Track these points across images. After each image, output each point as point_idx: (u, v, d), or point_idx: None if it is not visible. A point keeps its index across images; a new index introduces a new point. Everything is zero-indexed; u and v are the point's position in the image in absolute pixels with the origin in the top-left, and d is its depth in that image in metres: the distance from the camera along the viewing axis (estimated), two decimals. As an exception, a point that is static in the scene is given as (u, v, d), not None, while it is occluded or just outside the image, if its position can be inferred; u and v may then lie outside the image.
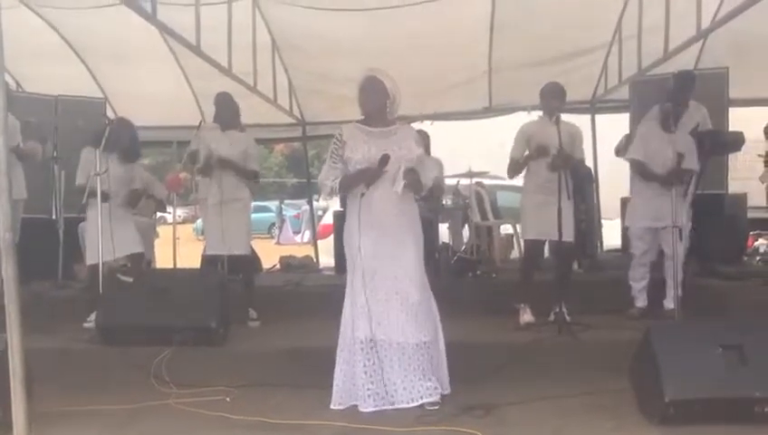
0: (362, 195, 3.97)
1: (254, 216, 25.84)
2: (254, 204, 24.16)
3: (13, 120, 6.35)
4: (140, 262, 5.74)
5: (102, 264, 5.27)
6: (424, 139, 6.33)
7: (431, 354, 4.00)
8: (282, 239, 24.13)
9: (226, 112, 5.70)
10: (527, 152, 5.48)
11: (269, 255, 8.98)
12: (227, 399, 4.26)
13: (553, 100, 5.31)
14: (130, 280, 4.92)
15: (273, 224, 26.64)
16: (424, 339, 3.97)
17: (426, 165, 4.17)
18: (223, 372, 4.60)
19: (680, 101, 5.99)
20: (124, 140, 5.64)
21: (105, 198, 5.29)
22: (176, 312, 4.75)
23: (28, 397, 3.46)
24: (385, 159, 3.90)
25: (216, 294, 4.91)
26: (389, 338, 3.94)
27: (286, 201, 27.48)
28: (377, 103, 4.04)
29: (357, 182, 3.99)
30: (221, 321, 4.86)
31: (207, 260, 5.68)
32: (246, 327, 5.60)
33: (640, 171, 5.65)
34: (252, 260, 5.91)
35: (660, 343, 3.77)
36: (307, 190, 11.09)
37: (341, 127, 4.16)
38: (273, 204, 28.25)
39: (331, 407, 4.01)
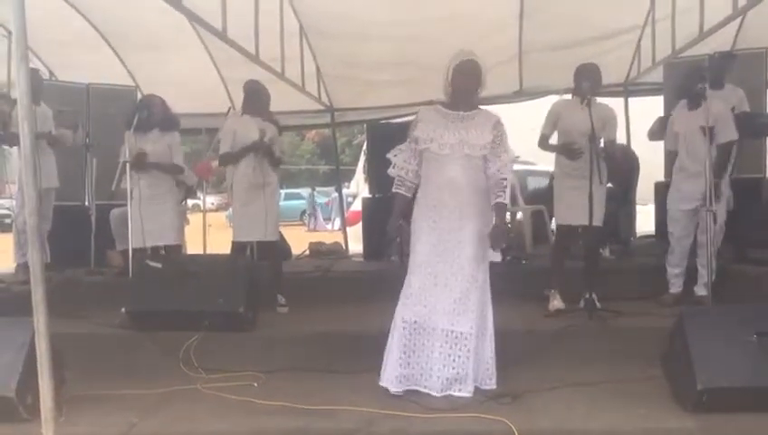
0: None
1: (285, 203, 26.17)
2: (285, 191, 24.32)
3: (45, 108, 6.46)
4: (172, 251, 5.78)
5: (134, 250, 5.35)
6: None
7: (471, 346, 3.96)
8: (313, 226, 24.27)
9: (255, 100, 5.70)
10: (557, 135, 5.39)
11: (301, 242, 8.99)
12: (255, 384, 4.29)
13: (584, 81, 5.20)
14: (159, 265, 4.94)
15: (305, 211, 26.77)
16: (469, 330, 3.95)
17: (497, 155, 4.03)
18: (251, 358, 4.63)
19: (714, 83, 5.88)
20: (157, 113, 5.72)
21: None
22: (204, 297, 4.77)
23: (58, 382, 3.53)
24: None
25: (244, 280, 4.92)
26: (433, 323, 3.95)
27: (318, 188, 27.55)
28: (472, 88, 4.04)
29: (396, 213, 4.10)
30: (249, 306, 4.87)
31: (236, 247, 5.69)
32: (275, 313, 5.61)
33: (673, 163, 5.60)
34: (280, 246, 5.90)
35: (693, 330, 3.70)
36: (336, 177, 11.06)
37: (422, 108, 4.22)
38: (304, 191, 28.37)
39: (380, 383, 4.02)
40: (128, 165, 5.30)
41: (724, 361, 3.55)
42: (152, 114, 5.69)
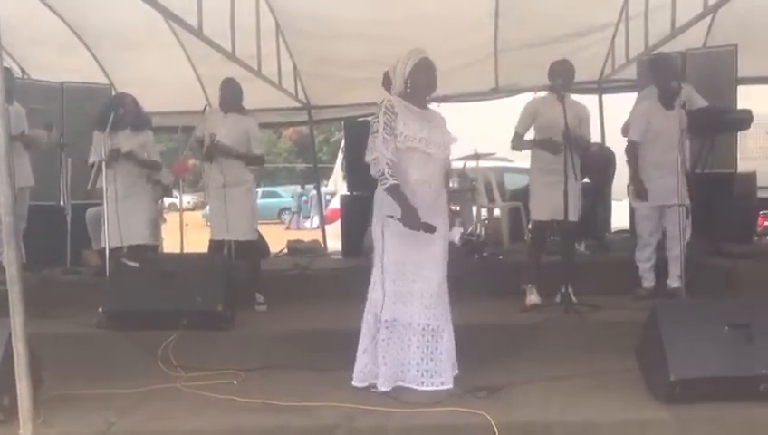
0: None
1: (263, 201, 26.02)
2: (262, 189, 24.25)
3: (19, 107, 6.39)
4: (149, 250, 5.76)
5: (111, 249, 5.33)
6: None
7: (446, 338, 4.03)
8: (291, 225, 24.23)
9: (227, 96, 5.70)
10: (533, 133, 5.45)
11: (279, 240, 8.98)
12: (234, 382, 4.29)
13: (557, 78, 5.26)
14: (136, 265, 4.92)
15: (284, 209, 26.73)
16: (443, 322, 4.02)
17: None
18: (230, 356, 4.62)
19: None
20: (129, 112, 5.70)
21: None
22: (182, 296, 4.75)
23: (36, 383, 3.51)
24: (431, 229, 3.90)
25: (221, 278, 4.91)
26: (412, 319, 3.98)
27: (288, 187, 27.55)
28: (434, 84, 4.05)
29: (404, 212, 3.88)
30: (228, 304, 4.87)
31: (214, 246, 5.68)
32: (253, 311, 5.60)
33: (630, 154, 5.63)
34: (257, 244, 5.90)
35: (666, 322, 3.76)
36: (315, 175, 11.05)
37: (389, 98, 4.03)
38: (282, 189, 28.34)
39: (353, 383, 4.05)
40: (103, 164, 5.26)
41: (697, 352, 3.62)
42: (124, 113, 5.65)
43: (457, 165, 7.42)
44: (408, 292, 4.00)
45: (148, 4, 4.57)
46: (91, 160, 5.61)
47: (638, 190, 5.53)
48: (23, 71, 8.18)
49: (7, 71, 6.60)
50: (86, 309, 5.20)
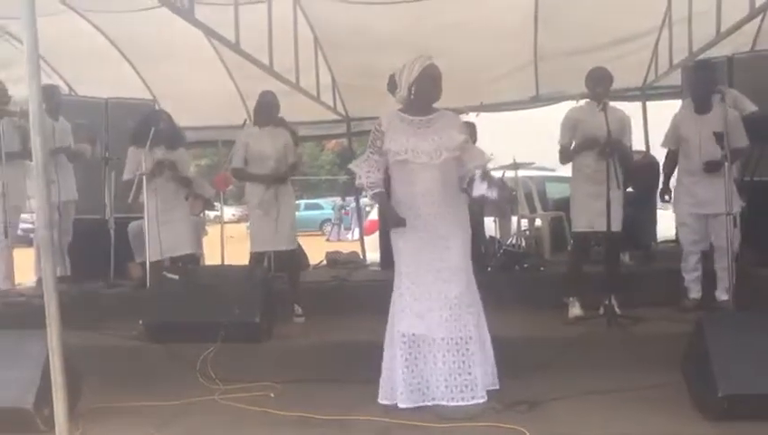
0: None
1: (305, 213, 26.24)
2: (305, 202, 24.46)
3: (64, 122, 6.55)
4: (189, 262, 5.81)
5: (152, 262, 5.39)
6: (471, 130, 6.26)
7: (474, 350, 3.90)
8: (332, 237, 24.29)
9: (261, 110, 5.73)
10: (574, 141, 5.36)
11: (320, 252, 8.98)
12: (272, 395, 4.28)
13: (597, 86, 5.17)
14: (176, 277, 4.97)
15: (325, 221, 26.83)
16: (468, 334, 3.89)
17: (472, 153, 4.03)
18: (268, 368, 4.62)
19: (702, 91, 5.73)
20: (165, 129, 5.75)
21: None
22: (220, 308, 4.78)
23: (74, 395, 3.55)
24: (401, 223, 3.92)
25: (259, 290, 4.93)
26: (432, 333, 3.88)
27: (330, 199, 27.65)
28: (437, 95, 3.96)
29: (386, 217, 4.02)
30: (265, 316, 4.88)
31: (254, 258, 5.71)
32: (292, 323, 5.60)
33: (664, 162, 5.60)
34: (296, 255, 5.90)
35: (713, 336, 3.64)
36: (355, 187, 11.00)
37: (381, 116, 4.05)
38: (324, 201, 28.46)
39: (379, 401, 3.98)
40: (144, 178, 5.34)
41: (745, 367, 3.48)
42: (160, 131, 5.72)
43: (497, 175, 7.34)
44: (427, 306, 3.90)
45: (185, 19, 4.61)
46: (126, 177, 5.68)
47: (661, 191, 5.55)
48: (69, 88, 8.39)
49: (54, 87, 6.84)
50: (127, 322, 5.27)
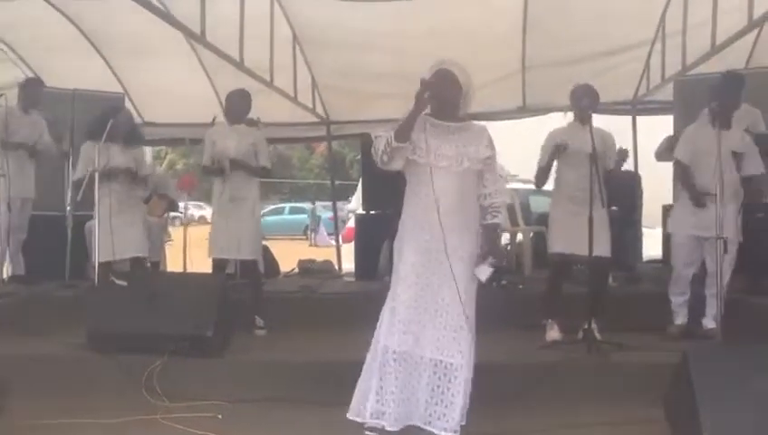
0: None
1: (289, 217, 26.05)
2: (290, 205, 24.30)
3: (37, 117, 6.27)
4: (141, 266, 5.47)
5: (103, 263, 5.07)
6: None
7: (461, 379, 3.60)
8: (318, 241, 24.00)
9: (231, 107, 5.44)
10: (556, 161, 5.10)
11: (300, 257, 8.66)
12: (219, 416, 3.97)
13: (583, 97, 4.93)
14: (125, 283, 4.63)
15: (308, 225, 26.53)
16: (459, 362, 3.60)
17: (493, 178, 3.77)
18: (218, 385, 4.31)
19: (728, 103, 5.57)
20: (124, 126, 5.46)
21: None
22: (170, 318, 4.45)
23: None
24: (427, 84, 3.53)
25: (214, 300, 4.60)
26: (421, 351, 3.61)
27: (320, 203, 27.31)
28: (449, 96, 3.68)
29: (411, 119, 3.55)
30: (219, 329, 4.54)
31: (217, 264, 5.38)
32: (252, 336, 5.28)
33: (682, 177, 5.22)
34: (268, 263, 5.57)
35: (698, 371, 3.34)
36: (333, 192, 10.77)
37: None
38: (307, 205, 28.16)
39: (348, 416, 3.68)
40: (96, 175, 5.00)
41: (734, 409, 3.19)
42: (119, 125, 5.40)
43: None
44: (421, 323, 3.62)
45: (144, 7, 4.29)
46: (78, 176, 5.35)
47: (696, 198, 5.03)
48: (36, 76, 8.03)
49: (32, 81, 6.55)
50: (76, 327, 4.91)
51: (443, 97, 3.67)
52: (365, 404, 3.65)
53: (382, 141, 3.61)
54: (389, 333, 3.64)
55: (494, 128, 8.66)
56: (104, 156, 5.17)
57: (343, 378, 3.98)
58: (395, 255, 3.78)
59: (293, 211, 29.57)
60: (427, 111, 3.73)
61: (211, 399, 4.15)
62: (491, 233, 3.71)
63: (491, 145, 3.75)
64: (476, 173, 3.72)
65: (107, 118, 5.21)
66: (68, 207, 6.56)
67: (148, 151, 8.29)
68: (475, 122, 3.84)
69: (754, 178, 5.08)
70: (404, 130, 3.56)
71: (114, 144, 5.36)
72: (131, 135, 5.57)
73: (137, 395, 4.17)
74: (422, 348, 3.61)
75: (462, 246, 3.66)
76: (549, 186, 5.46)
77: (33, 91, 6.33)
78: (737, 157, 4.79)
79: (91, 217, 6.00)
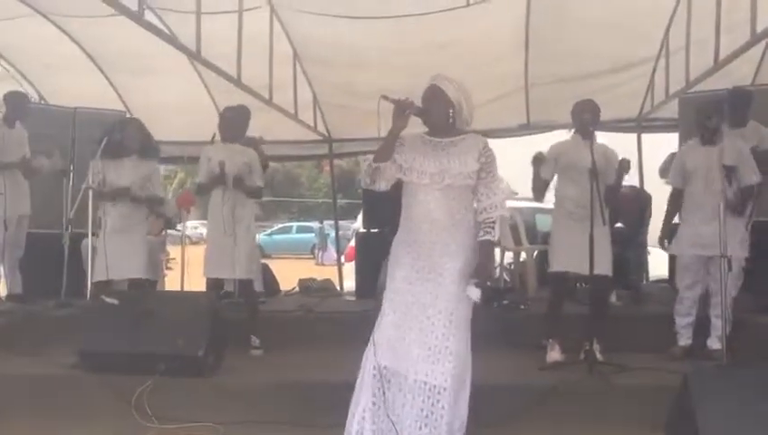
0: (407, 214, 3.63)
1: (297, 236, 25.92)
2: (297, 224, 24.23)
3: (21, 130, 6.20)
4: (139, 287, 5.39)
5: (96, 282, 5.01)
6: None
7: (445, 403, 3.48)
8: (325, 260, 23.91)
9: (225, 124, 5.39)
10: (556, 175, 5.03)
11: (308, 275, 8.57)
12: (210, 438, 3.88)
13: (584, 113, 4.85)
14: (116, 302, 4.55)
15: (315, 244, 26.46)
16: (443, 384, 3.48)
17: (489, 190, 3.61)
18: (210, 407, 4.23)
19: (736, 120, 5.56)
20: (134, 138, 5.41)
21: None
22: (161, 338, 4.38)
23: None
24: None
25: (207, 320, 4.52)
26: (406, 372, 3.50)
27: (327, 222, 27.28)
28: (437, 114, 3.60)
29: (389, 139, 3.48)
30: (211, 349, 4.46)
31: (211, 284, 5.31)
32: (247, 356, 5.18)
33: (671, 203, 5.20)
34: (253, 283, 5.46)
35: (701, 395, 3.24)
36: (335, 211, 10.71)
37: (408, 133, 3.67)
38: (315, 224, 28.11)
39: None
40: (91, 192, 4.94)
41: (735, 431, 3.07)
42: (127, 138, 5.35)
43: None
44: (406, 342, 3.52)
45: (135, 21, 4.26)
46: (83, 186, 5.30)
47: (661, 236, 5.13)
48: (40, 96, 8.07)
49: (15, 94, 6.50)
50: (70, 347, 4.83)
51: (430, 113, 3.60)
52: (353, 424, 3.56)
53: (366, 163, 3.58)
54: (375, 352, 3.55)
55: (497, 145, 8.61)
56: (113, 172, 5.12)
57: (337, 399, 3.88)
58: (388, 272, 3.68)
59: (301, 230, 29.52)
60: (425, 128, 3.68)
61: (202, 420, 4.08)
62: (483, 250, 3.61)
63: (484, 156, 3.59)
64: (467, 188, 3.60)
65: (112, 132, 5.16)
66: (66, 225, 6.48)
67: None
68: (473, 134, 3.71)
69: (748, 189, 4.98)
70: (382, 151, 3.51)
71: (127, 158, 5.32)
72: (145, 147, 5.47)
73: (127, 416, 4.11)
74: (407, 369, 3.51)
75: (453, 265, 3.56)
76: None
77: (16, 103, 6.24)
78: (732, 170, 4.72)
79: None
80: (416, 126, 3.68)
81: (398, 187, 3.67)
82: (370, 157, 3.58)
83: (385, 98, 3.47)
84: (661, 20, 6.45)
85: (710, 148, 4.96)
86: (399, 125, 3.47)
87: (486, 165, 3.59)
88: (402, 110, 3.46)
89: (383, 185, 3.58)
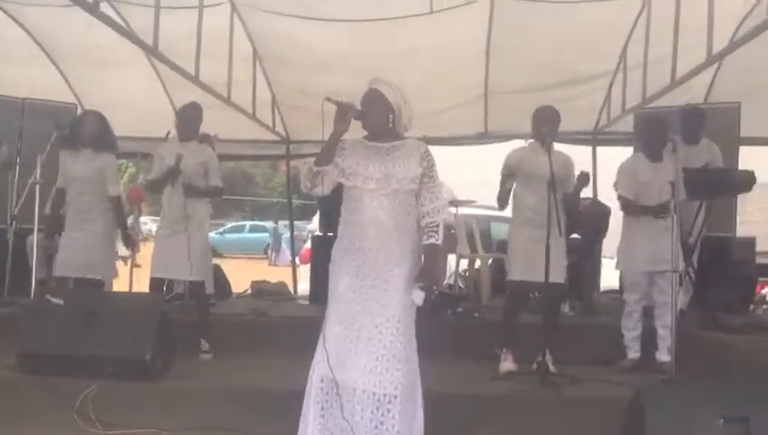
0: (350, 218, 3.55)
1: (250, 235, 25.62)
2: (250, 223, 23.95)
3: None
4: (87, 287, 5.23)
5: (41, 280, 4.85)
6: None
7: (396, 412, 3.44)
8: (279, 261, 23.67)
9: (183, 122, 5.26)
10: (515, 183, 5.04)
11: (260, 277, 8.43)
12: (155, 444, 3.77)
13: (542, 125, 4.87)
14: (61, 302, 4.39)
15: (269, 244, 26.20)
16: (393, 392, 3.44)
17: (431, 195, 3.59)
18: (156, 412, 4.11)
19: (689, 137, 5.65)
20: (91, 130, 5.27)
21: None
22: (106, 340, 4.24)
23: None
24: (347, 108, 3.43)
25: (153, 322, 4.38)
26: (354, 383, 3.45)
27: (282, 222, 27.07)
28: (376, 119, 3.55)
29: (330, 143, 3.45)
30: (158, 352, 4.33)
31: (154, 284, 5.16)
32: (196, 360, 5.07)
33: (629, 210, 5.22)
34: (203, 285, 5.34)
35: (651, 410, 3.23)
36: (291, 211, 10.62)
37: (348, 139, 3.63)
38: (269, 224, 27.84)
39: None
40: (37, 187, 4.78)
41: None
42: (83, 131, 5.19)
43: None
44: (353, 352, 3.47)
45: (89, 13, 4.13)
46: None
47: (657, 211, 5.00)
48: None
49: None
50: (11, 347, 4.65)
51: (371, 117, 3.55)
52: (307, 432, 3.50)
53: (306, 166, 3.53)
54: (319, 361, 3.51)
55: (456, 153, 8.73)
56: (69, 163, 5.00)
57: (288, 406, 3.82)
58: (330, 278, 3.61)
59: (254, 229, 29.22)
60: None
61: (148, 426, 3.97)
62: (427, 254, 3.58)
63: (425, 160, 3.57)
64: (411, 193, 3.57)
65: (70, 126, 5.01)
66: (10, 220, 6.26)
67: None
68: (412, 139, 3.68)
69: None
70: (323, 154, 3.47)
71: (81, 151, 5.19)
72: (100, 140, 5.30)
73: (68, 421, 3.98)
74: (355, 380, 3.46)
75: (398, 271, 3.52)
76: (509, 212, 5.40)
77: None
78: (672, 186, 4.79)
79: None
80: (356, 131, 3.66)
81: (337, 191, 3.62)
82: (311, 160, 3.53)
83: (329, 100, 3.44)
84: (620, 37, 6.55)
85: (659, 164, 5.04)
86: (341, 128, 3.44)
87: (428, 169, 3.57)
88: (344, 113, 3.42)
89: (324, 189, 3.52)
